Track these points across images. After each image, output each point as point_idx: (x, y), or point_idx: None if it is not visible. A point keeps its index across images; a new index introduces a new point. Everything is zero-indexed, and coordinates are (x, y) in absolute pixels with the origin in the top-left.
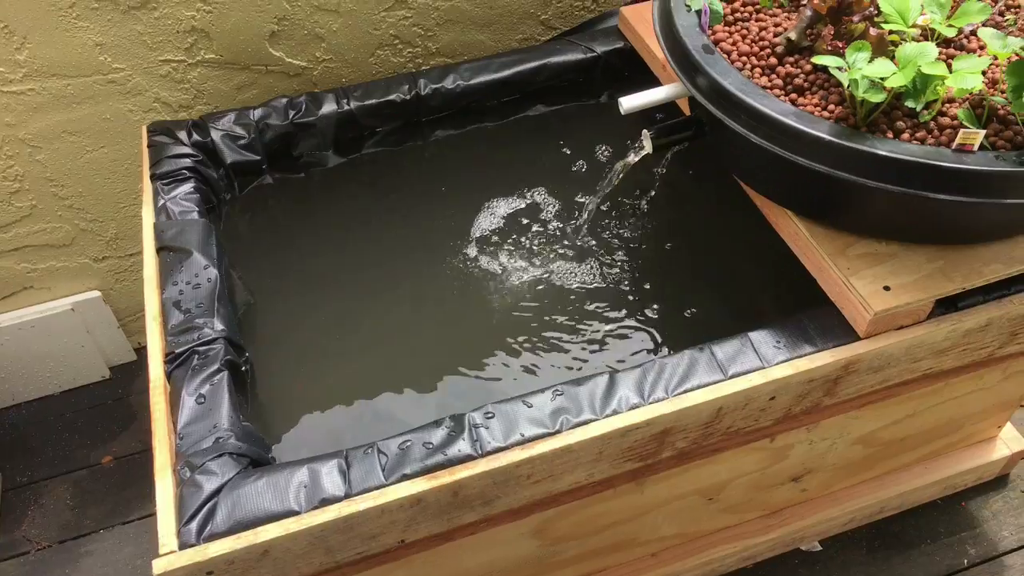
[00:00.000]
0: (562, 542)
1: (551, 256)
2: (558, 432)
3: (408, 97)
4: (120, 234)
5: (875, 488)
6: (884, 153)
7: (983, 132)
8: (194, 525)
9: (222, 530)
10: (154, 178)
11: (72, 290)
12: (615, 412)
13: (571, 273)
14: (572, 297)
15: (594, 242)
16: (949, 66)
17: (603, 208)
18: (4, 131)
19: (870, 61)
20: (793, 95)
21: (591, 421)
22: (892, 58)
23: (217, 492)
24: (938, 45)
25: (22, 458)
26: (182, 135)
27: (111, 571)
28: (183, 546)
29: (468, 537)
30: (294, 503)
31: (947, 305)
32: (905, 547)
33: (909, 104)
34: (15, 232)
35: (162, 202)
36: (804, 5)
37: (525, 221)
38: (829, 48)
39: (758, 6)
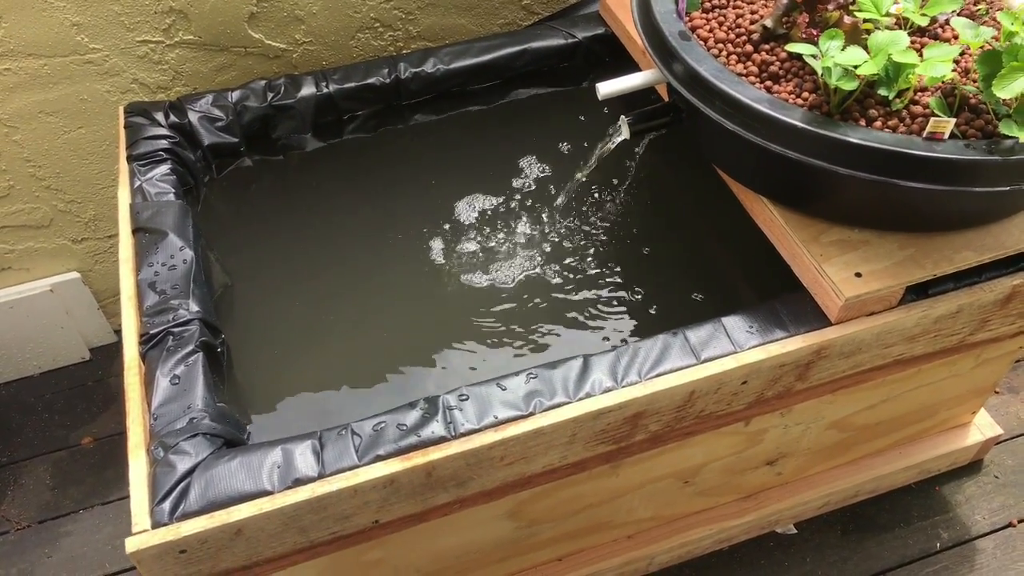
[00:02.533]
0: (537, 524)
1: (528, 242)
2: (531, 415)
3: (388, 81)
4: (98, 215)
5: (850, 472)
6: (855, 141)
7: (953, 120)
8: (167, 504)
9: (195, 509)
10: (131, 159)
11: (51, 271)
12: (588, 395)
13: (548, 259)
14: (549, 283)
15: (571, 228)
16: (921, 54)
17: (581, 194)
18: None
19: (843, 49)
20: (768, 82)
21: (564, 404)
22: (865, 46)
23: (190, 472)
24: (911, 34)
25: (1, 439)
26: (159, 116)
27: (90, 551)
28: (156, 525)
29: (443, 518)
30: (267, 483)
31: (918, 292)
32: (879, 530)
33: (882, 92)
34: None
35: (138, 183)
36: None
37: (503, 207)
38: (804, 36)
39: None
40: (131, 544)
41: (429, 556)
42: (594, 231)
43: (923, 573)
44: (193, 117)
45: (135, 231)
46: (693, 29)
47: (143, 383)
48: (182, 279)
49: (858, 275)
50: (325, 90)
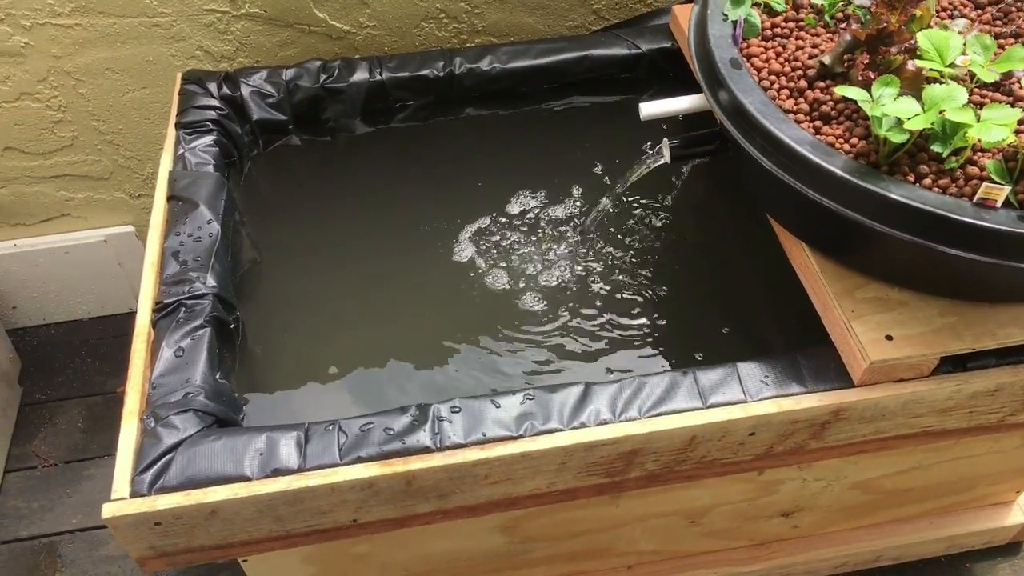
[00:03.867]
0: (532, 541)
1: (558, 252)
2: (521, 437)
3: (441, 74)
4: (156, 174)
5: (873, 535)
6: (896, 197)
7: (1008, 188)
8: (148, 476)
9: (173, 484)
10: (178, 126)
11: (107, 222)
12: (583, 425)
13: (576, 275)
14: (573, 299)
15: (604, 246)
16: (980, 113)
17: (619, 212)
18: (51, 62)
19: (897, 98)
20: (818, 122)
21: (556, 431)
22: (920, 99)
23: (175, 447)
24: (980, 88)
25: (44, 376)
26: (212, 87)
27: (107, 497)
28: (134, 494)
29: (425, 526)
30: (247, 469)
31: (955, 363)
32: None
33: (935, 148)
34: (56, 160)
35: (181, 151)
36: (844, 29)
37: (539, 212)
38: (862, 78)
39: (801, 22)
40: (107, 510)
41: (417, 557)
42: (626, 252)
43: None
44: (245, 91)
45: (169, 198)
46: (748, 57)
47: (149, 350)
48: (205, 252)
49: (889, 338)
50: (378, 77)
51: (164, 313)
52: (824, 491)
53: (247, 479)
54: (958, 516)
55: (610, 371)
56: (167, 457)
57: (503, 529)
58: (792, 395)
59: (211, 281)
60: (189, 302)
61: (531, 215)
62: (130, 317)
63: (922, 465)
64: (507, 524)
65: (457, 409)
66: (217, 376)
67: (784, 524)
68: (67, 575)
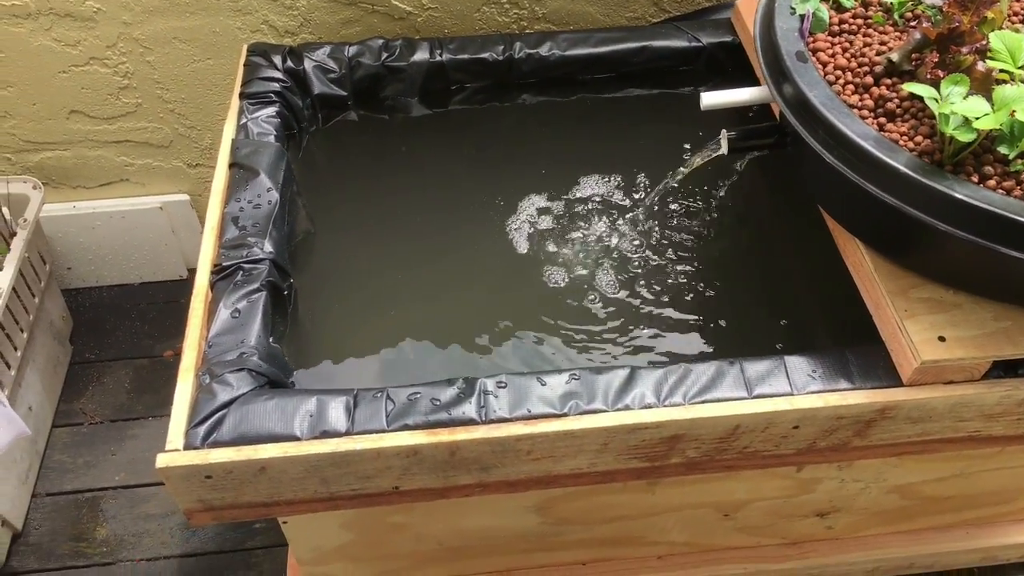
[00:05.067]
0: (566, 523)
1: (609, 240)
2: (565, 415)
3: (501, 58)
4: (214, 144)
5: (908, 541)
6: (960, 196)
7: None
8: (202, 430)
9: (225, 440)
10: (242, 96)
11: (164, 190)
12: (627, 407)
13: (622, 264)
14: (618, 283)
15: (655, 236)
16: None
17: (672, 202)
18: (120, 28)
19: (966, 97)
20: (882, 119)
21: (600, 411)
22: (991, 98)
23: (229, 404)
24: None
25: (94, 337)
26: (277, 60)
27: (150, 457)
28: (187, 447)
29: (464, 498)
30: (297, 429)
31: (1007, 369)
32: None
33: (1002, 150)
34: (119, 125)
35: (244, 120)
36: (913, 27)
37: (592, 200)
38: (930, 77)
39: (869, 20)
40: (161, 460)
41: (453, 531)
42: (678, 242)
43: None
44: (308, 65)
45: (231, 165)
46: (814, 51)
47: (207, 311)
48: (264, 219)
49: (942, 339)
50: (438, 58)
51: (222, 275)
52: (862, 493)
53: (296, 439)
54: (996, 528)
55: (656, 357)
56: (220, 413)
57: (538, 509)
58: (839, 391)
59: (268, 247)
60: (247, 266)
61: (583, 202)
62: (180, 284)
63: (963, 473)
64: (542, 504)
65: (503, 384)
66: (270, 340)
67: (818, 524)
68: (108, 529)
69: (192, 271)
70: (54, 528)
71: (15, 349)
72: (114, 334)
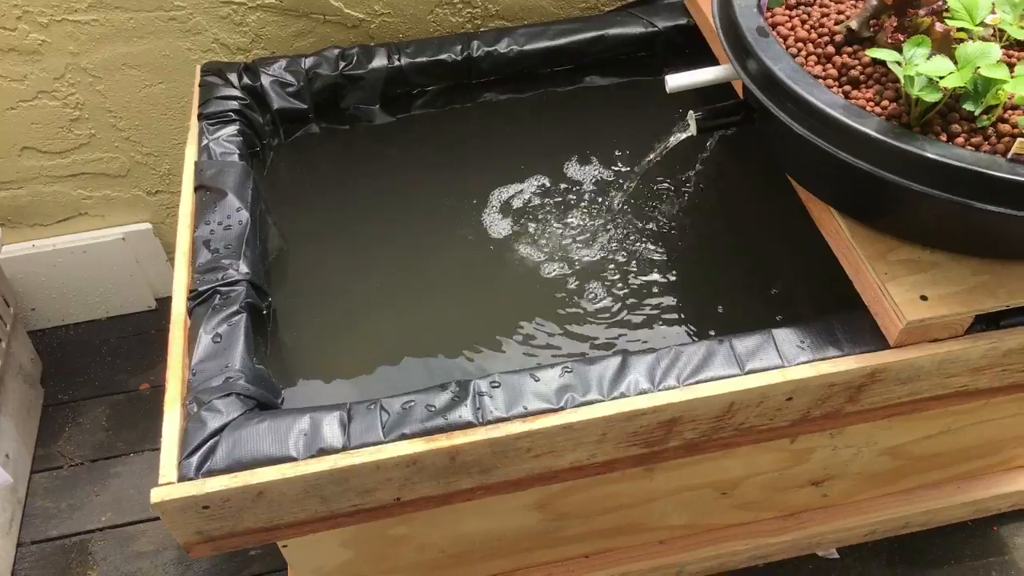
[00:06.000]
0: (566, 518)
1: (584, 232)
2: (562, 409)
3: (459, 58)
4: (173, 170)
5: (902, 502)
6: (932, 156)
7: None
8: (195, 460)
9: (220, 467)
10: (201, 117)
11: (124, 220)
12: (623, 395)
13: (602, 252)
14: (599, 276)
15: (628, 222)
16: (1013, 70)
17: (643, 186)
18: (68, 59)
19: (929, 58)
20: (847, 87)
21: (597, 402)
22: (953, 57)
23: (220, 430)
24: (1010, 47)
25: (65, 377)
26: (233, 78)
27: (136, 494)
28: (182, 479)
29: (468, 503)
30: (292, 449)
31: (988, 322)
32: (927, 565)
33: (967, 107)
34: (73, 159)
35: (206, 142)
36: None
37: (564, 194)
38: (891, 41)
39: None
40: (156, 495)
41: (454, 537)
42: (652, 227)
43: None
44: (265, 81)
45: (197, 188)
46: (774, 25)
47: (186, 338)
48: (236, 240)
49: (924, 298)
50: (396, 63)
51: (199, 301)
52: (854, 458)
53: (293, 459)
54: (985, 480)
55: (645, 343)
56: (212, 440)
57: (538, 507)
58: (829, 358)
59: (244, 268)
60: (223, 289)
61: (555, 195)
62: (149, 315)
63: (950, 429)
64: (542, 501)
65: (497, 384)
66: (255, 361)
67: (814, 493)
68: (100, 572)
69: (160, 300)
70: None
71: None
72: (86, 372)
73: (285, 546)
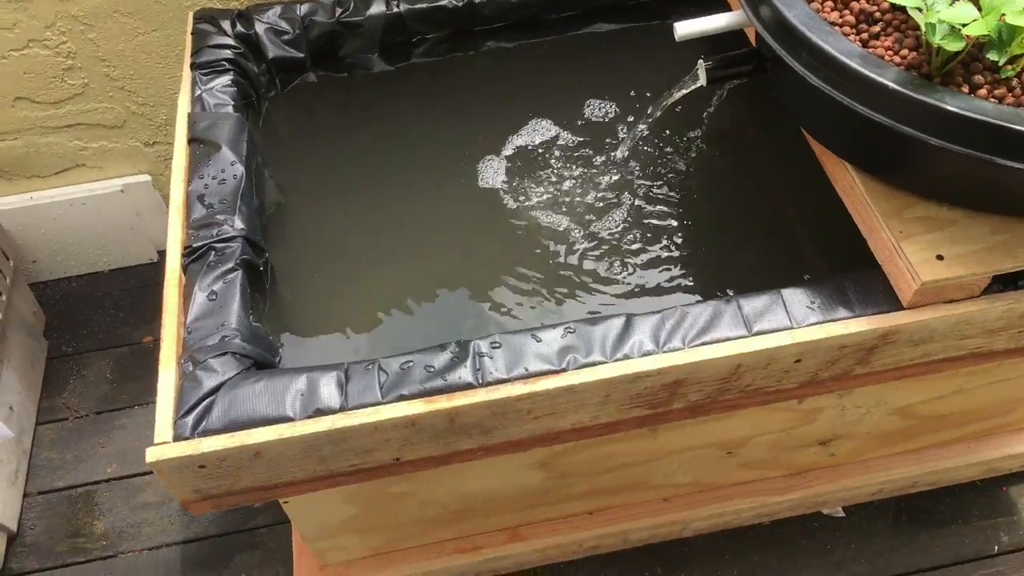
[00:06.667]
0: (570, 476)
1: (588, 185)
2: (564, 371)
3: (461, 4)
4: (170, 120)
5: (910, 461)
6: (952, 109)
7: None
8: (190, 419)
9: (216, 427)
10: (194, 67)
11: (122, 172)
12: (626, 357)
13: (606, 207)
14: (603, 232)
15: (634, 175)
16: None
17: (650, 139)
18: (57, 6)
19: (951, 4)
20: (865, 35)
21: (600, 363)
22: (977, 4)
23: (216, 390)
24: None
25: (69, 329)
26: (226, 25)
27: (140, 446)
28: (177, 438)
29: (465, 463)
30: (289, 409)
31: (1006, 283)
32: (934, 525)
33: (991, 57)
34: (68, 109)
35: (199, 92)
36: None
37: (567, 145)
38: None
39: None
40: (151, 454)
41: (456, 495)
42: (658, 180)
43: (976, 575)
44: (260, 28)
45: (190, 141)
46: None
47: (182, 295)
48: (230, 194)
49: (940, 258)
50: (395, 9)
51: (194, 257)
52: (863, 418)
53: (290, 420)
54: (996, 440)
55: (650, 302)
56: (208, 400)
57: (541, 465)
58: (839, 320)
59: (239, 223)
60: (218, 245)
61: (561, 145)
62: (151, 267)
63: (962, 389)
64: (545, 460)
65: (497, 345)
66: (251, 319)
67: (821, 453)
68: (106, 522)
69: (162, 253)
70: (50, 526)
71: None
72: (89, 324)
73: (287, 502)
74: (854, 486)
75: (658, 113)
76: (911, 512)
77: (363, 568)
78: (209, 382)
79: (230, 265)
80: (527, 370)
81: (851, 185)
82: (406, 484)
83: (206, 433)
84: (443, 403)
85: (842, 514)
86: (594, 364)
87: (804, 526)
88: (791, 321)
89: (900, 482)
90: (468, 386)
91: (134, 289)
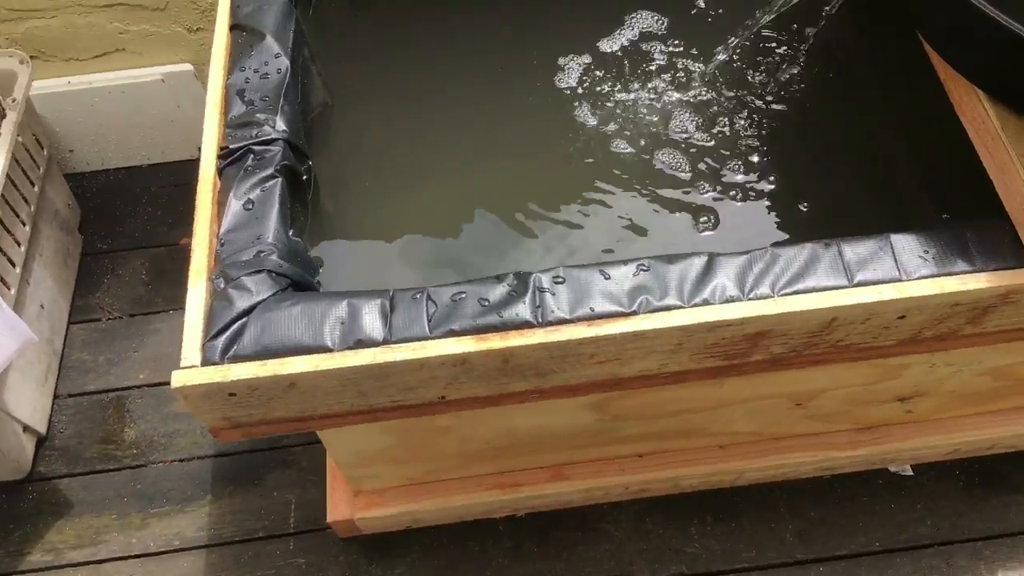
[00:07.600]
0: (624, 419)
1: (670, 101)
2: (634, 314)
3: None
4: (215, 4)
5: (991, 422)
6: None
7: None
8: (220, 342)
9: (248, 353)
10: None
11: (164, 60)
12: (706, 302)
13: (689, 125)
14: (685, 153)
15: (730, 91)
16: None
17: (750, 50)
18: None
19: None
20: None
21: (675, 308)
22: None
23: (248, 311)
24: None
25: (105, 225)
26: None
27: (174, 353)
28: (205, 362)
29: (518, 405)
30: (328, 339)
31: None
32: (1009, 490)
33: None
34: None
35: None
36: None
37: (654, 51)
38: None
39: None
40: (177, 379)
41: (500, 432)
42: (756, 99)
43: None
44: None
45: (232, 27)
46: None
47: (215, 202)
48: (273, 91)
49: None
50: None
51: (231, 160)
52: (952, 376)
53: (328, 350)
54: None
55: (737, 235)
56: (240, 322)
57: (595, 407)
58: (956, 274)
59: (281, 125)
60: (258, 148)
61: (641, 54)
62: (191, 164)
63: None
64: (600, 403)
65: (560, 279)
66: (290, 233)
67: (897, 409)
68: (137, 430)
69: None
70: (80, 431)
71: (18, 244)
72: (125, 221)
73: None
74: (928, 445)
75: (765, 19)
76: (985, 475)
77: (398, 496)
78: (241, 302)
79: (269, 171)
80: (593, 311)
81: (983, 118)
82: (449, 419)
83: (237, 359)
84: (496, 342)
85: (910, 472)
86: (669, 308)
87: (868, 483)
88: (900, 271)
89: (978, 443)
90: (526, 324)
91: (172, 187)
